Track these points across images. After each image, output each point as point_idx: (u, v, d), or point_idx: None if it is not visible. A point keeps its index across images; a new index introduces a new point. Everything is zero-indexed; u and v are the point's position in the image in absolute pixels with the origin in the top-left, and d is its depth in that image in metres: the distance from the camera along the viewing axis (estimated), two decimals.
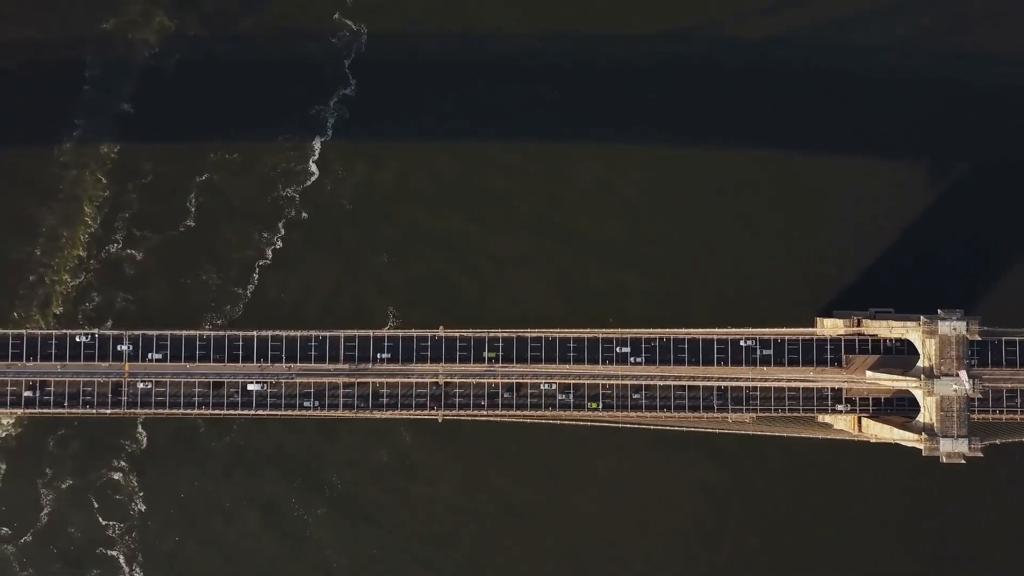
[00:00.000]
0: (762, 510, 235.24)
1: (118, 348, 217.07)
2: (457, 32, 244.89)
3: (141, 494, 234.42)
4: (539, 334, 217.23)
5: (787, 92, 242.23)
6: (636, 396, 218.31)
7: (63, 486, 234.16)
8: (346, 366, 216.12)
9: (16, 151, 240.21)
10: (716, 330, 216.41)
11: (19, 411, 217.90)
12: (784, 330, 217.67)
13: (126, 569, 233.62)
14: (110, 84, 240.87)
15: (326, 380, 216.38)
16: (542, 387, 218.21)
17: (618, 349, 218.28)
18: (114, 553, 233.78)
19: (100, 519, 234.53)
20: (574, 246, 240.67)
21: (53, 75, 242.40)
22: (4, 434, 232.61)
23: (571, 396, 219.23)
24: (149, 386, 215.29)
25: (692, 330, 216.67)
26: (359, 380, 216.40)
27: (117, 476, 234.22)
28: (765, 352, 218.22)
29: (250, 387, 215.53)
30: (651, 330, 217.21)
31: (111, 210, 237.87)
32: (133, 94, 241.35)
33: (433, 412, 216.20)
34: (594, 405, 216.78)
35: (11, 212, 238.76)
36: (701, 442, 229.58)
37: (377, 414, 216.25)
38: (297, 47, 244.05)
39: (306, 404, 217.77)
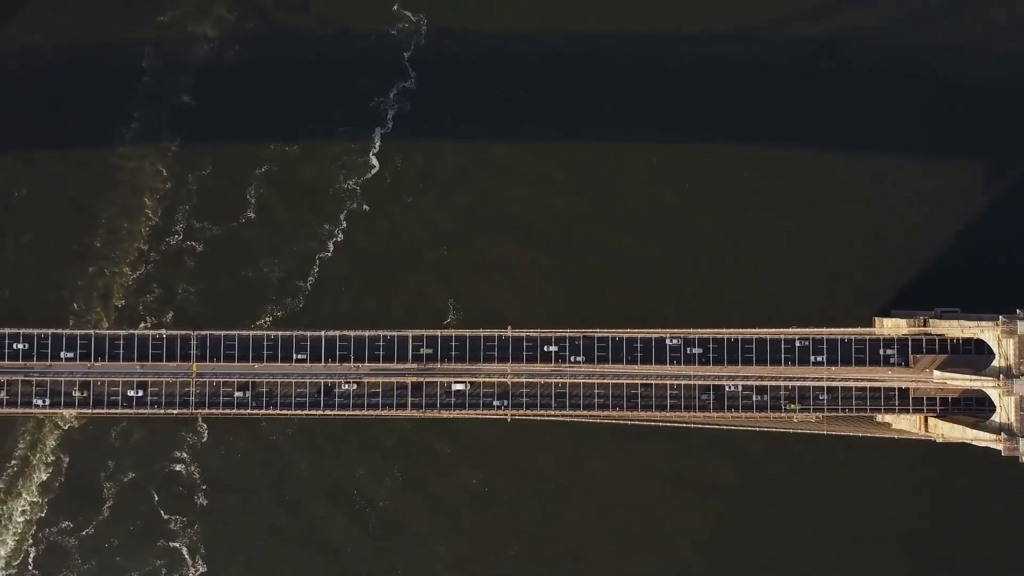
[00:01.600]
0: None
1: (186, 348, 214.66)
2: (518, 27, 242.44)
3: (204, 487, 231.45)
4: (606, 334, 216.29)
5: (845, 92, 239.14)
6: (704, 396, 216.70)
7: (125, 479, 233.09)
8: (414, 365, 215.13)
9: (77, 144, 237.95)
10: (781, 330, 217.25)
11: (91, 411, 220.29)
12: (847, 330, 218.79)
13: (189, 561, 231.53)
14: (169, 77, 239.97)
15: (394, 380, 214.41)
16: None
17: (686, 349, 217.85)
18: (176, 545, 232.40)
19: (162, 512, 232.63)
20: (630, 246, 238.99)
21: (113, 69, 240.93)
22: (67, 427, 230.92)
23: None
24: (217, 386, 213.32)
25: (758, 330, 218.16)
26: (427, 380, 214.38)
27: (179, 468, 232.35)
28: (831, 352, 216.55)
29: (455, 386, 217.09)
30: (718, 330, 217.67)
31: (171, 202, 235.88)
32: (193, 86, 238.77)
33: (501, 412, 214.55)
34: (793, 406, 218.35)
35: (72, 204, 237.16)
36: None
37: (445, 413, 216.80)
38: (356, 39, 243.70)
39: (374, 403, 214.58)
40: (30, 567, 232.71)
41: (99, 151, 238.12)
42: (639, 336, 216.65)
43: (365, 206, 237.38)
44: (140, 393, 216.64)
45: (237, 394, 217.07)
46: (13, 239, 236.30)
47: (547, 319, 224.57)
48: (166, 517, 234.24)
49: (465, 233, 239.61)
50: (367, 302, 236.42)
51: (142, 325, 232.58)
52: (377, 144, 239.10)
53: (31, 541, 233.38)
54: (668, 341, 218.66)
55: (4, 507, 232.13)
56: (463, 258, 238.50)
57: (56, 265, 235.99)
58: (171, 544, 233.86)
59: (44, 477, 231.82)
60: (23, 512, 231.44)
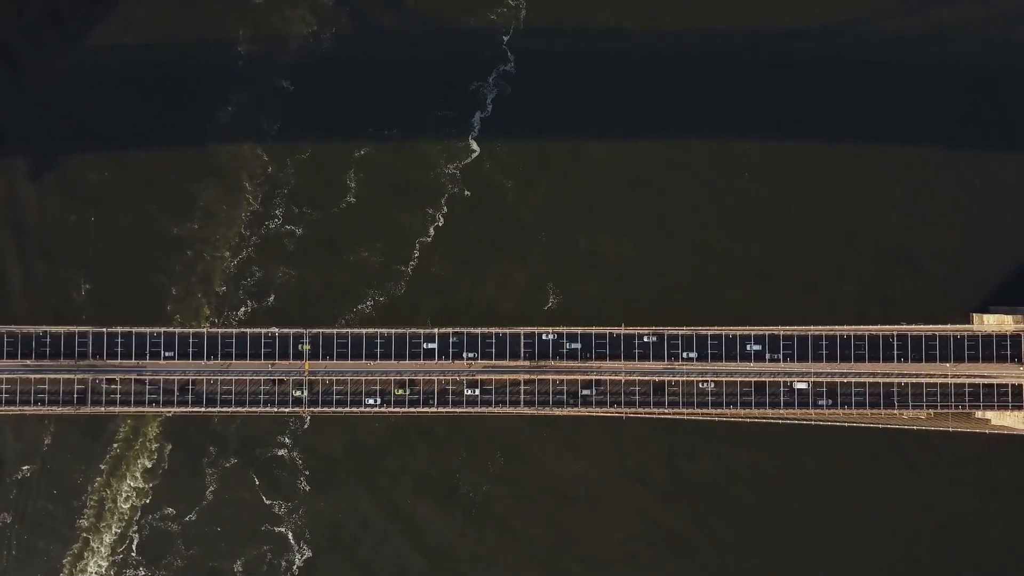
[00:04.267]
0: None
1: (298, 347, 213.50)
2: (617, 15, 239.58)
3: (307, 473, 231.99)
4: (719, 331, 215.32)
5: (942, 88, 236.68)
6: (819, 394, 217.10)
7: (227, 464, 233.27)
8: (527, 363, 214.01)
9: (175, 129, 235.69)
10: (888, 327, 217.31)
11: (204, 410, 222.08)
12: (954, 327, 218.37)
13: (295, 546, 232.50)
14: (267, 61, 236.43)
15: (507, 377, 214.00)
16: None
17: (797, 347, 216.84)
18: (282, 530, 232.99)
19: (264, 498, 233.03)
20: (715, 242, 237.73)
21: (209, 53, 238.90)
22: (171, 413, 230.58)
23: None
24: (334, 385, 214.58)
25: (867, 327, 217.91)
26: (539, 377, 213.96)
27: (281, 453, 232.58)
28: (943, 348, 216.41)
29: (798, 386, 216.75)
30: (830, 328, 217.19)
31: (271, 186, 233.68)
32: (291, 70, 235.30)
33: (617, 410, 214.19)
34: None
35: (171, 189, 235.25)
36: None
37: (558, 411, 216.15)
38: (455, 22, 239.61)
39: (487, 400, 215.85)
40: (134, 554, 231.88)
41: (197, 135, 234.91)
42: (753, 333, 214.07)
43: (466, 191, 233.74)
44: (254, 391, 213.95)
45: (350, 393, 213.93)
46: (104, 223, 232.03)
47: (648, 312, 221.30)
48: (269, 503, 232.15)
49: (564, 220, 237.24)
50: (468, 289, 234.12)
51: (242, 309, 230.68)
52: (477, 128, 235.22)
53: (135, 528, 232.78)
54: (782, 338, 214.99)
55: (108, 491, 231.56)
56: (562, 245, 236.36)
57: (155, 250, 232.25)
58: (276, 529, 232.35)
59: (147, 464, 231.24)
60: (127, 499, 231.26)
